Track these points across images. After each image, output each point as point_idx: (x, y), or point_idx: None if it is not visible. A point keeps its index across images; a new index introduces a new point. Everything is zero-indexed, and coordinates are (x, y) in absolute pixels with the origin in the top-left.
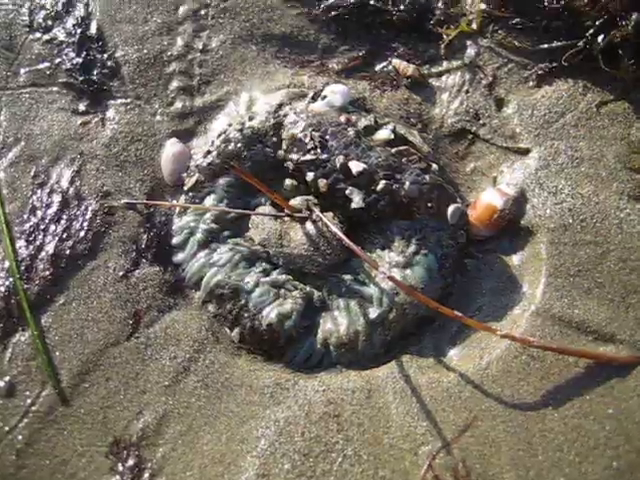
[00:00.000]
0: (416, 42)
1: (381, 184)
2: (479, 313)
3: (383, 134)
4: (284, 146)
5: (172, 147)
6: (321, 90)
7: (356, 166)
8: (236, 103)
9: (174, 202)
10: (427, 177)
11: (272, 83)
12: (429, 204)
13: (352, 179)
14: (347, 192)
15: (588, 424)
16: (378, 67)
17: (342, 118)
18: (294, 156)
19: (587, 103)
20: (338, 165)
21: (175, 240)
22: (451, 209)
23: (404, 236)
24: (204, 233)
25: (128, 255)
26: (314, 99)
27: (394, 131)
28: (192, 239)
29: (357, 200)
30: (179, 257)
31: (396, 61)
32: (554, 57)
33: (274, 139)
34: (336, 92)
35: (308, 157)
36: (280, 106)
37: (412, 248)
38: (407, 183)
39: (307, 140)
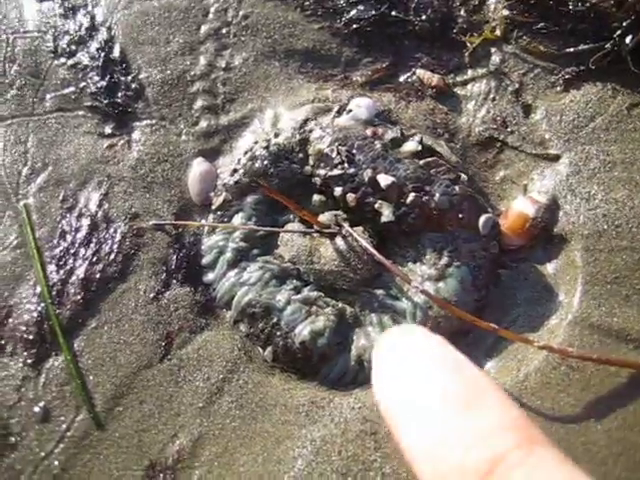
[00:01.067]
0: (440, 51)
1: (410, 196)
2: (514, 324)
3: (410, 146)
4: (311, 162)
5: (198, 166)
6: (346, 104)
7: (384, 179)
8: (261, 120)
9: (202, 221)
10: (457, 188)
11: (296, 99)
12: (460, 215)
13: (381, 192)
14: (376, 206)
15: (633, 436)
16: (402, 78)
17: (368, 131)
18: (321, 171)
19: (617, 106)
20: (366, 179)
21: (205, 260)
22: (482, 219)
23: (435, 248)
24: (233, 252)
25: (158, 276)
26: (339, 113)
27: (421, 142)
28: (222, 258)
29: (387, 213)
30: (209, 277)
31: (420, 71)
32: (581, 61)
33: (300, 155)
34: (361, 105)
35: (335, 172)
36: (305, 122)
37: (444, 260)
38: (437, 195)
39: (334, 155)
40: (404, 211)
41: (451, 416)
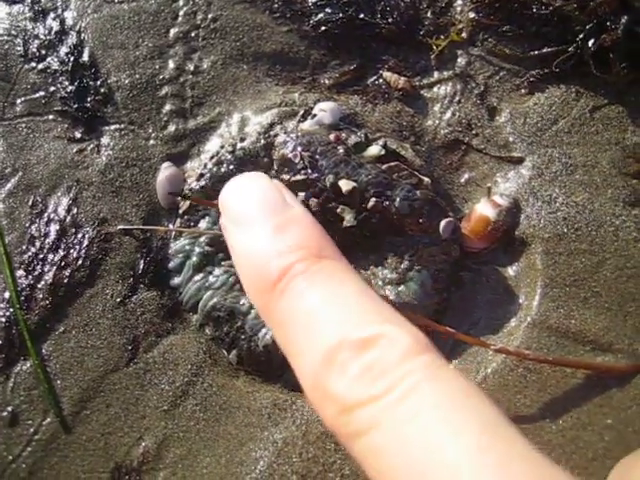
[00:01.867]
0: (407, 54)
1: (371, 202)
2: (475, 326)
3: (374, 150)
4: (275, 167)
5: (166, 171)
6: (311, 108)
7: (346, 185)
8: (228, 124)
9: (170, 226)
10: (418, 193)
11: (263, 102)
12: (420, 220)
13: (343, 198)
14: (338, 211)
15: (587, 435)
16: (370, 81)
17: (332, 136)
18: (285, 177)
19: (580, 109)
20: (328, 184)
21: (171, 264)
22: (443, 224)
23: (397, 252)
24: (199, 256)
25: (125, 281)
26: (304, 118)
27: (385, 147)
28: (188, 263)
29: (349, 218)
30: (175, 281)
31: (387, 74)
32: (545, 64)
33: (265, 160)
34: (325, 109)
35: (299, 177)
36: (271, 126)
37: (405, 264)
38: (398, 200)
39: (297, 160)
40: (365, 216)
41: (264, 235)
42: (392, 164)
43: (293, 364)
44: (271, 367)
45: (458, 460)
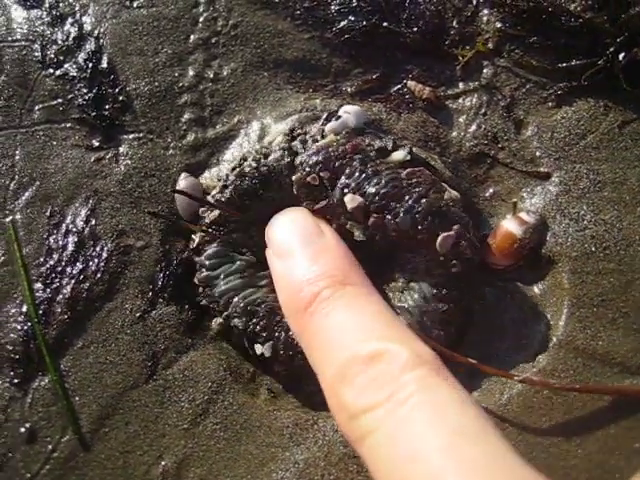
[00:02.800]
0: (431, 64)
1: (371, 219)
2: (500, 346)
3: (399, 155)
4: (295, 191)
5: (184, 181)
6: (336, 111)
7: (351, 201)
8: (247, 133)
9: (195, 238)
10: (423, 202)
11: (284, 109)
12: (419, 236)
13: (349, 214)
14: (347, 226)
15: (614, 459)
16: (393, 89)
17: (348, 146)
18: (309, 205)
19: (609, 124)
20: (335, 200)
21: (204, 267)
22: (440, 238)
23: (400, 266)
24: (236, 262)
25: (144, 295)
26: (328, 120)
27: (411, 152)
28: (222, 267)
29: (357, 234)
30: (204, 274)
31: (411, 83)
32: (573, 76)
33: (288, 180)
34: (350, 112)
35: (322, 204)
36: (292, 132)
37: (407, 276)
38: (401, 213)
39: (317, 184)
40: (370, 233)
41: (299, 265)
42: (416, 169)
43: (318, 377)
44: (303, 366)
45: (439, 467)
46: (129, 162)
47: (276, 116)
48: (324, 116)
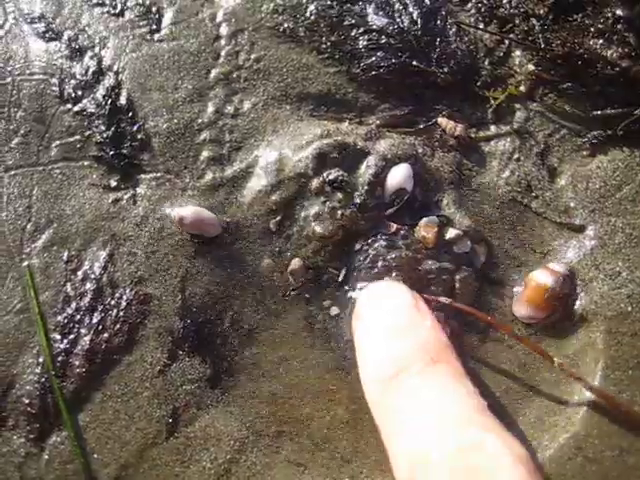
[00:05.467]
0: (462, 104)
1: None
2: (532, 404)
3: (452, 233)
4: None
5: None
6: (365, 151)
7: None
8: (264, 167)
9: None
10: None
11: (303, 137)
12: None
13: None
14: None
15: None
16: (422, 126)
17: (393, 228)
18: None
19: None
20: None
21: None
22: None
23: None
24: None
25: (164, 347)
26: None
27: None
28: None
29: None
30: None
31: (442, 120)
32: (609, 125)
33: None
34: (397, 176)
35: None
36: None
37: None
38: None
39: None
40: None
41: (391, 334)
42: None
43: (389, 449)
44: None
45: None
46: (147, 204)
47: (295, 146)
48: (355, 144)
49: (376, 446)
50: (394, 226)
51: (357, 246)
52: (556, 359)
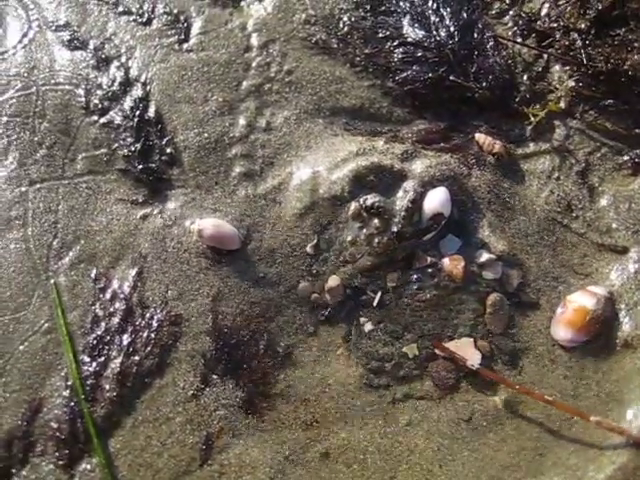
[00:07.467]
0: (499, 120)
1: None
2: (575, 437)
3: (484, 257)
4: None
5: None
6: (402, 173)
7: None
8: (298, 186)
9: None
10: None
11: (338, 154)
12: None
13: None
14: None
15: None
16: (458, 141)
17: (427, 261)
18: None
19: None
20: None
21: None
22: None
23: None
24: None
25: (197, 370)
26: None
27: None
28: None
29: None
30: None
31: (480, 136)
32: None
33: None
34: (434, 201)
35: None
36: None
37: None
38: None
39: None
40: None
41: None
42: None
43: None
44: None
45: None
46: (177, 220)
47: (329, 163)
48: (392, 166)
49: (409, 470)
50: (428, 259)
51: (390, 284)
52: (592, 417)
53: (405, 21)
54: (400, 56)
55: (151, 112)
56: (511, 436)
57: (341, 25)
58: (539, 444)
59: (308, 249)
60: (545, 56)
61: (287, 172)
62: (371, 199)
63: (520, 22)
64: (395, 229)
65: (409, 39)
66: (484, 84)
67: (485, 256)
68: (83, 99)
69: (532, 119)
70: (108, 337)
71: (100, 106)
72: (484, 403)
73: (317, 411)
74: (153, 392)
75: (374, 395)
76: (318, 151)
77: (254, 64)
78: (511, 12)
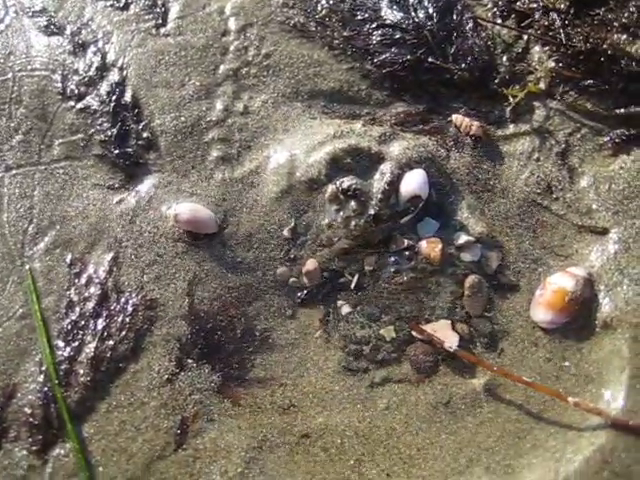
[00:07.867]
0: (479, 102)
1: None
2: (554, 419)
3: (462, 239)
4: None
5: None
6: (379, 156)
7: None
8: (275, 169)
9: None
10: None
11: (315, 137)
12: None
13: None
14: None
15: None
16: (436, 124)
17: (404, 244)
18: None
19: None
20: None
21: None
22: None
23: None
24: None
25: (172, 355)
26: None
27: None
28: None
29: None
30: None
31: (457, 117)
32: (632, 123)
33: None
34: (412, 183)
35: None
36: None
37: None
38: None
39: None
40: None
41: None
42: None
43: None
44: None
45: None
46: (154, 205)
47: (307, 146)
48: (370, 149)
49: (387, 454)
50: (405, 242)
51: (368, 267)
52: (570, 399)
53: (383, 3)
54: (379, 38)
55: (128, 97)
56: (490, 419)
57: (319, 8)
58: (518, 426)
59: (285, 232)
60: (525, 37)
61: (264, 156)
62: (348, 182)
63: (499, 3)
64: (372, 212)
65: (387, 21)
66: (463, 66)
67: (463, 238)
68: (60, 85)
69: (511, 100)
70: (83, 322)
71: (77, 91)
72: (463, 386)
73: (294, 395)
74: (127, 377)
75: (352, 379)
76: (296, 134)
77: (232, 48)
78: None
